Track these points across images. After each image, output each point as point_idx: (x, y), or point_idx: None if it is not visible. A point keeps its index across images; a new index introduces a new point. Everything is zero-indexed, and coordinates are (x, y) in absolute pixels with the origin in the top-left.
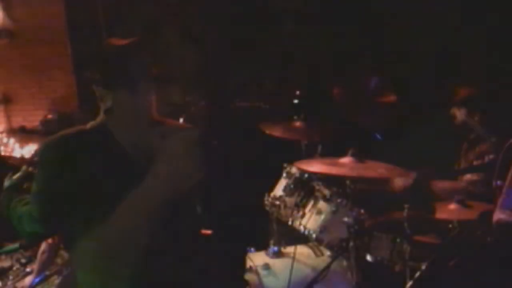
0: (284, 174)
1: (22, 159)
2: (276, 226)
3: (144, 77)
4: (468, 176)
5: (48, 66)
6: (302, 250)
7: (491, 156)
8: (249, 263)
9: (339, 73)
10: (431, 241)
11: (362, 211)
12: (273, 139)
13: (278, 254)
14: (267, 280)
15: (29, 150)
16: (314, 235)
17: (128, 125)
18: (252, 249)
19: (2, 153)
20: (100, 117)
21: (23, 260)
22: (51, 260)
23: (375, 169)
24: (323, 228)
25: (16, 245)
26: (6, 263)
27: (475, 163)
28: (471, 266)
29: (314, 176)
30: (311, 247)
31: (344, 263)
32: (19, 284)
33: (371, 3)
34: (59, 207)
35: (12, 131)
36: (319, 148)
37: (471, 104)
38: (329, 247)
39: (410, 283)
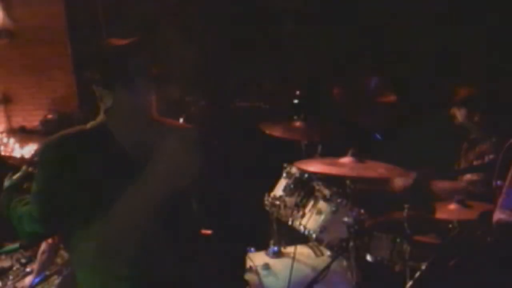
0: (284, 174)
1: (22, 159)
2: (276, 226)
3: (143, 77)
4: (468, 176)
5: (48, 66)
6: (302, 250)
7: (491, 156)
8: (249, 263)
9: (339, 73)
10: (431, 241)
11: (362, 211)
12: (273, 139)
13: (278, 254)
14: (267, 280)
15: (29, 150)
16: (314, 235)
17: (128, 125)
18: (252, 249)
19: (2, 153)
20: (100, 117)
21: (23, 260)
22: (51, 260)
23: (375, 169)
24: (323, 228)
25: (16, 245)
26: (6, 263)
27: (475, 163)
28: (471, 266)
29: (314, 176)
30: (311, 247)
31: (344, 263)
32: (19, 284)
33: (371, 3)
34: (59, 207)
35: (12, 131)
36: (319, 148)
37: (471, 104)
38: (329, 247)
39: (410, 283)
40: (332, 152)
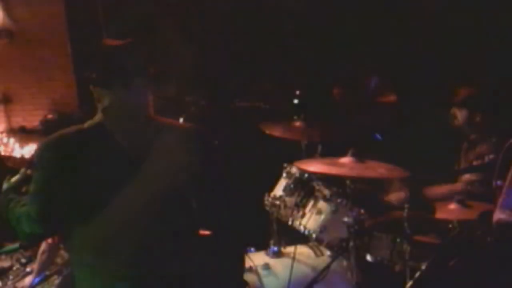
0: (284, 174)
1: (22, 159)
2: (276, 226)
3: (140, 76)
4: (467, 176)
5: (48, 66)
6: (302, 250)
7: (491, 156)
8: (249, 263)
9: (339, 73)
10: (431, 241)
11: (362, 211)
12: (273, 139)
13: (278, 254)
14: (267, 280)
15: (29, 150)
16: (314, 235)
17: (125, 124)
18: (252, 249)
19: (2, 153)
20: (98, 116)
21: (23, 260)
22: (51, 260)
23: (375, 169)
24: (323, 228)
25: (16, 245)
26: (6, 263)
27: (475, 163)
28: (471, 266)
29: (314, 176)
30: (311, 247)
31: (344, 263)
32: (19, 284)
33: (371, 3)
34: (58, 206)
35: (12, 131)
36: (319, 148)
37: (471, 104)
38: (329, 247)
39: (410, 283)
40: (332, 152)
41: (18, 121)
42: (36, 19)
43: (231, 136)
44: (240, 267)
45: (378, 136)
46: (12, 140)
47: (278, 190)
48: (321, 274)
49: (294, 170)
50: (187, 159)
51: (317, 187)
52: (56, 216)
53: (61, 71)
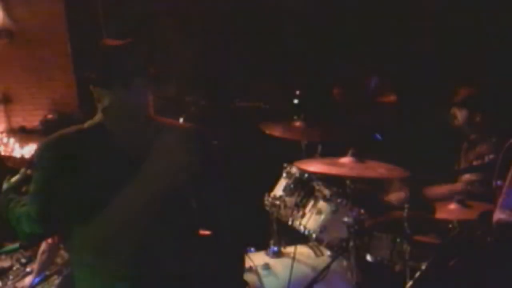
0: (284, 174)
1: (22, 159)
2: (276, 226)
3: (140, 76)
4: (467, 176)
5: (48, 66)
6: (302, 250)
7: (491, 156)
8: (249, 263)
9: (339, 73)
10: (431, 241)
11: (362, 211)
12: (273, 139)
13: (278, 254)
14: (267, 280)
15: (29, 150)
16: (314, 235)
17: (125, 124)
18: (252, 249)
19: (2, 153)
20: (98, 116)
21: (23, 260)
22: (51, 260)
23: (375, 169)
24: (323, 228)
25: (16, 245)
26: (6, 263)
27: (475, 163)
28: (471, 266)
29: (314, 176)
30: (311, 247)
31: (344, 263)
32: (19, 284)
33: (371, 3)
34: (57, 206)
35: (12, 131)
36: (319, 148)
37: (471, 104)
38: (329, 247)
39: (410, 283)
40: (332, 152)
41: (18, 121)
42: (36, 19)
43: (231, 136)
44: (240, 267)
45: (378, 136)
46: (12, 140)
47: (278, 190)
48: (321, 274)
49: (294, 170)
50: (187, 159)
51: (317, 187)
52: (56, 216)
53: (61, 71)
